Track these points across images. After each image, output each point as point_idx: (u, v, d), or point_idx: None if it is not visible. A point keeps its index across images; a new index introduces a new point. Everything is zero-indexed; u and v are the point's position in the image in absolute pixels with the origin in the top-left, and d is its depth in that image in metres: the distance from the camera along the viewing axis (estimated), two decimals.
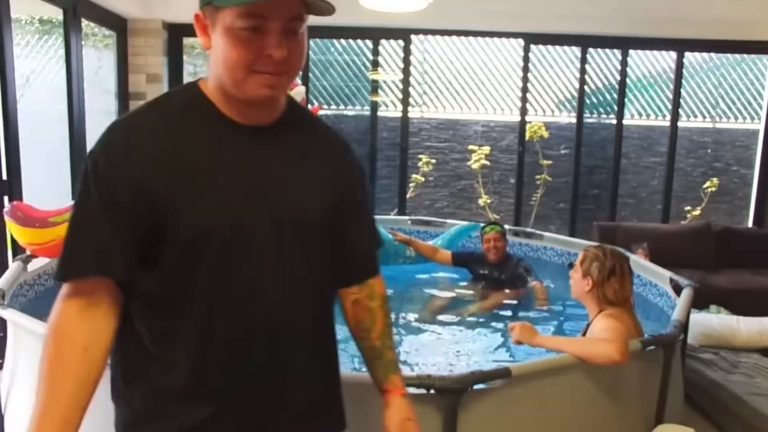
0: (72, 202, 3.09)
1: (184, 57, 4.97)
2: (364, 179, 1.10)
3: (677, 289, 2.66)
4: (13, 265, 2.48)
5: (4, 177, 3.12)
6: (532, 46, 4.93)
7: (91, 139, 4.02)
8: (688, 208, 5.60)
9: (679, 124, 5.23)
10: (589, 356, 1.67)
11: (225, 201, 0.89)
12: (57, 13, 3.88)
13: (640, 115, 5.89)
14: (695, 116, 5.95)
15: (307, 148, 1.00)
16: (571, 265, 2.15)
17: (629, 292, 2.04)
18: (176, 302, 0.90)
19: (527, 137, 5.15)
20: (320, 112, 6.27)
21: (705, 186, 5.57)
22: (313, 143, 1.01)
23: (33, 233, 2.52)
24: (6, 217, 2.47)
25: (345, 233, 1.03)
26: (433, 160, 5.71)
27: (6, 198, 3.15)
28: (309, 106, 4.04)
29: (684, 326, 2.10)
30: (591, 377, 1.75)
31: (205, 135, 0.91)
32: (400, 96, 5.03)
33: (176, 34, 4.77)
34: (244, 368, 0.92)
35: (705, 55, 5.65)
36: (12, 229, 2.54)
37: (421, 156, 5.70)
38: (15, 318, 1.92)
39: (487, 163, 5.54)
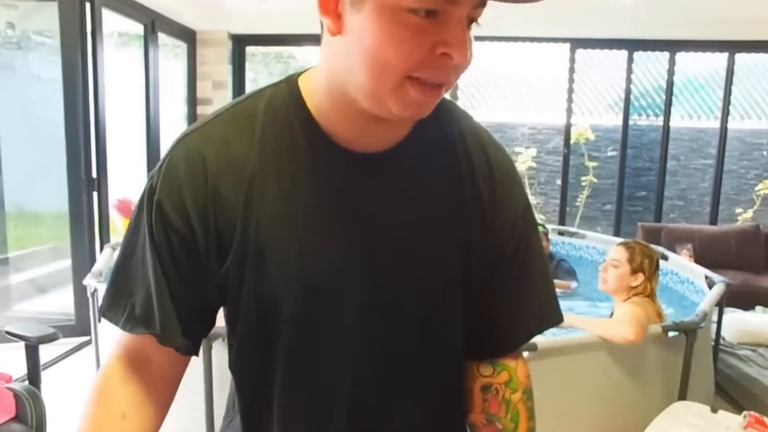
0: None
1: (247, 65, 5.36)
2: (526, 224, 0.74)
3: (712, 286, 2.75)
4: (106, 251, 2.85)
5: (94, 174, 3.54)
6: (579, 50, 5.03)
7: (165, 142, 4.43)
8: (740, 210, 5.54)
9: (732, 125, 5.19)
10: (608, 335, 1.85)
11: (309, 259, 0.65)
12: (134, 27, 4.30)
13: (691, 117, 5.86)
14: (750, 117, 5.86)
15: (438, 181, 0.68)
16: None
17: None
18: (249, 369, 0.73)
19: (573, 140, 5.24)
20: None
21: (758, 188, 5.49)
22: (450, 173, 0.69)
23: None
24: (115, 211, 2.84)
25: (485, 299, 0.73)
26: None
27: (95, 194, 3.57)
28: None
29: (707, 316, 2.22)
30: (613, 356, 1.93)
31: (297, 164, 0.64)
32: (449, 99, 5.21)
33: (240, 43, 5.16)
34: None
35: (762, 54, 5.57)
36: (119, 221, 2.91)
37: None
38: None
39: (534, 165, 5.66)
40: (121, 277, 0.70)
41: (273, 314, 0.67)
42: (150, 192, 0.66)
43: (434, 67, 0.56)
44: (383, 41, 0.54)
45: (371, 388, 0.71)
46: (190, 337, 0.70)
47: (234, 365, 0.74)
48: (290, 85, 0.68)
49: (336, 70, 0.61)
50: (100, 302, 2.57)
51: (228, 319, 0.72)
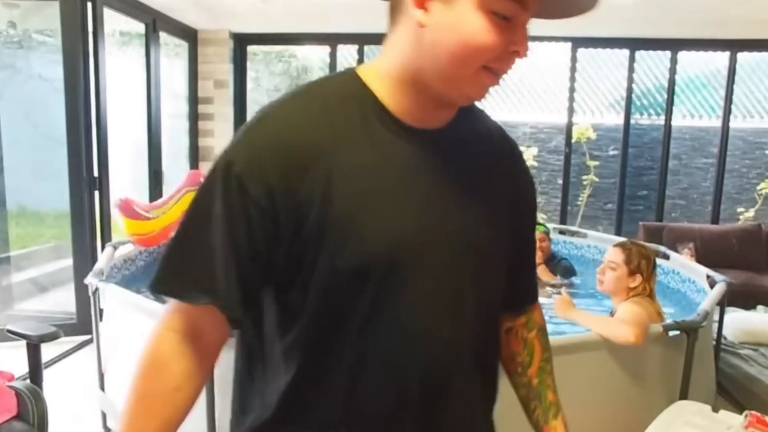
0: (168, 196, 3.51)
1: (248, 64, 5.36)
2: (534, 189, 0.91)
3: (713, 286, 2.75)
4: (107, 251, 2.85)
5: (95, 174, 3.54)
6: (581, 49, 5.02)
7: (166, 139, 4.45)
8: (742, 209, 5.54)
9: (734, 124, 5.17)
10: (609, 335, 1.85)
11: (391, 227, 0.71)
12: (135, 26, 4.30)
13: (693, 116, 5.85)
14: (751, 116, 5.85)
15: (479, 155, 0.80)
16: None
17: None
18: (318, 344, 0.74)
19: (574, 139, 5.24)
20: None
21: (759, 187, 5.49)
22: (485, 148, 0.82)
23: (137, 225, 2.90)
24: (116, 210, 2.84)
25: (512, 255, 0.85)
26: None
27: (96, 193, 3.57)
28: None
29: (708, 315, 2.22)
30: (614, 355, 1.93)
31: (371, 139, 0.72)
32: None
33: (241, 42, 5.15)
34: (396, 414, 0.77)
35: (765, 53, 5.56)
36: (120, 220, 2.92)
37: None
38: (114, 291, 2.27)
39: (535, 164, 5.65)
40: (180, 250, 0.73)
41: (350, 286, 0.71)
42: (226, 167, 0.69)
43: (504, 60, 0.69)
44: (475, 35, 0.66)
45: (444, 352, 0.77)
46: (245, 311, 0.74)
47: (300, 342, 0.74)
48: (353, 76, 0.76)
49: (414, 58, 0.71)
50: (99, 301, 2.55)
51: (294, 296, 0.73)
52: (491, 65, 0.69)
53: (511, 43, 0.68)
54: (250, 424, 0.79)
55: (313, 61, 6.75)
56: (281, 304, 0.75)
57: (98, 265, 2.56)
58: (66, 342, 3.14)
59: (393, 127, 0.73)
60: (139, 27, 4.24)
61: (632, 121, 5.14)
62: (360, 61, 5.10)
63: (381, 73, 0.75)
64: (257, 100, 6.27)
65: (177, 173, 4.03)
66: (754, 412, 1.82)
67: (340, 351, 0.73)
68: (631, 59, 4.94)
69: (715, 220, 5.09)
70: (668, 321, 2.11)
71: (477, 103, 0.82)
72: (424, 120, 0.75)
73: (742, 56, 5.00)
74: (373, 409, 0.75)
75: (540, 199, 5.79)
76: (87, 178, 3.45)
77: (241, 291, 0.71)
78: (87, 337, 3.30)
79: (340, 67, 5.53)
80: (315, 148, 0.69)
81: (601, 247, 3.90)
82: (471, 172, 0.79)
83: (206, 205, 0.71)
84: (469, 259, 0.77)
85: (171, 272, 0.73)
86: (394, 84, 0.73)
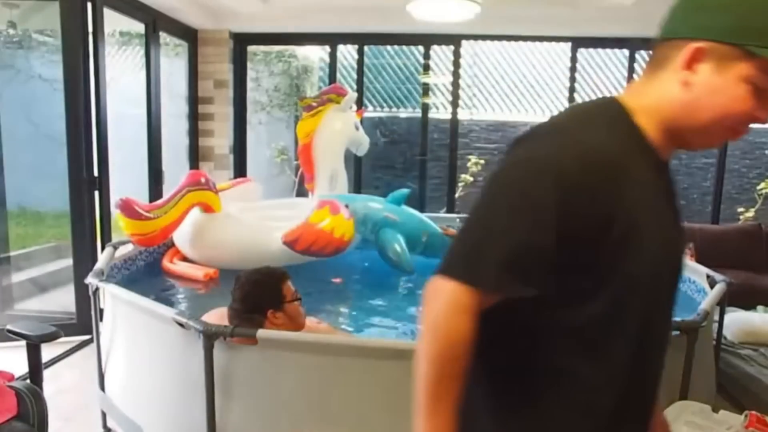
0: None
1: (248, 64, 5.36)
2: None
3: (713, 285, 2.74)
4: (107, 251, 2.85)
5: (95, 174, 3.54)
6: (581, 49, 5.02)
7: (166, 139, 4.46)
8: (742, 209, 5.53)
9: None
10: None
11: (663, 242, 0.83)
12: (135, 26, 4.30)
13: None
14: None
15: (674, 186, 0.94)
16: None
17: None
18: (597, 345, 0.83)
19: None
20: (372, 114, 6.56)
21: (759, 187, 5.49)
22: (672, 179, 0.95)
23: (138, 225, 2.90)
24: (117, 211, 2.85)
25: None
26: (482, 161, 5.88)
27: (96, 193, 3.57)
28: (355, 109, 4.28)
29: (708, 315, 2.22)
30: None
31: (645, 164, 0.83)
32: (451, 98, 5.23)
33: (241, 42, 5.15)
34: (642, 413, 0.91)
35: None
36: (121, 221, 2.92)
37: (470, 157, 5.86)
38: (114, 291, 2.27)
39: None
40: (494, 243, 0.78)
41: (633, 290, 0.80)
42: (559, 177, 0.76)
43: (746, 122, 0.81)
44: (738, 103, 0.78)
45: (660, 362, 0.91)
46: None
47: (576, 340, 0.82)
48: (617, 104, 0.87)
49: (674, 108, 0.82)
50: (99, 301, 2.52)
51: (584, 292, 0.80)
52: (736, 125, 0.81)
53: (757, 110, 0.79)
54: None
55: (313, 61, 6.76)
56: (563, 296, 0.81)
57: (98, 265, 2.56)
58: (66, 342, 3.14)
59: (655, 157, 0.85)
60: (139, 27, 4.25)
61: None
62: (360, 61, 5.11)
63: (646, 110, 0.84)
64: (257, 100, 6.28)
65: (177, 173, 4.03)
66: (754, 412, 1.83)
67: (615, 354, 0.83)
68: (631, 59, 4.94)
69: (715, 220, 5.09)
70: None
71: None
72: (666, 154, 0.87)
73: None
74: (634, 406, 0.88)
75: None
76: (87, 178, 3.45)
77: (538, 284, 0.79)
78: (87, 337, 3.31)
79: (340, 66, 5.55)
80: (622, 166, 0.79)
81: None
82: (676, 200, 0.92)
83: (529, 209, 0.77)
84: (676, 278, 0.92)
85: (480, 262, 0.78)
86: (656, 122, 0.84)
